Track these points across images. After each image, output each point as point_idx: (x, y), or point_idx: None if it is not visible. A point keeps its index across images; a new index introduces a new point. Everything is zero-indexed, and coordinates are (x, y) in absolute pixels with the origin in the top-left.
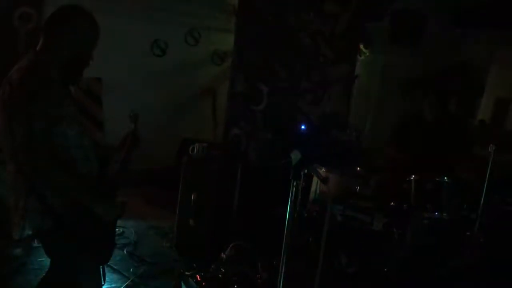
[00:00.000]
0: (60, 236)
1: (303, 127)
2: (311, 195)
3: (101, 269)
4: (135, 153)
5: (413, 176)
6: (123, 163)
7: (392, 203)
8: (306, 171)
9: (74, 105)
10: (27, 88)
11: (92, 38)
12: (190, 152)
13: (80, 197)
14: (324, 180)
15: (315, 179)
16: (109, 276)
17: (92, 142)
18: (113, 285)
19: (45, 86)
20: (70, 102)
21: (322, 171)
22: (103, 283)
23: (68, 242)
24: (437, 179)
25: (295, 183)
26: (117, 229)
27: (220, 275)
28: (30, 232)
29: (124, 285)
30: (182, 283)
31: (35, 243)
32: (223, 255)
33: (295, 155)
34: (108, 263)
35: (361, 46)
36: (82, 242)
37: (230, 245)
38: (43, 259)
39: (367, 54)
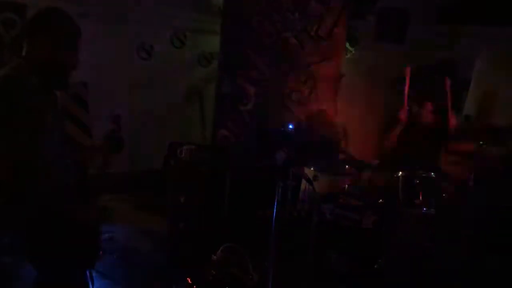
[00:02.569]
0: (39, 242)
1: (290, 126)
2: (301, 195)
3: (88, 274)
4: (119, 156)
5: (400, 172)
6: (101, 167)
7: (380, 200)
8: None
9: (58, 112)
10: (7, 99)
11: (72, 40)
12: (178, 155)
13: (57, 203)
14: (309, 180)
15: None
16: (99, 282)
17: (72, 147)
18: None
19: (26, 96)
20: (53, 109)
21: (311, 170)
22: None
23: (48, 247)
24: (424, 175)
25: (281, 184)
26: (106, 235)
27: (211, 278)
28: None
29: None
30: (173, 287)
31: None
32: (214, 257)
33: (280, 156)
34: (99, 269)
35: (347, 45)
36: (62, 248)
37: (221, 247)
38: None
39: (353, 52)
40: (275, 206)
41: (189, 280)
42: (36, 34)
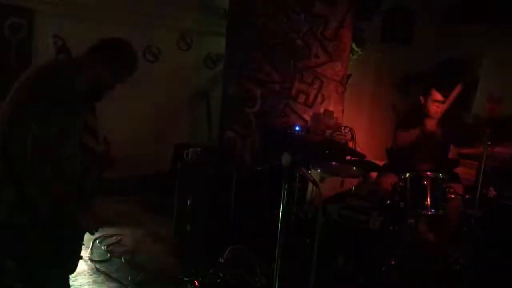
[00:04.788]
0: (34, 236)
1: (297, 128)
2: (308, 196)
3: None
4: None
5: (408, 173)
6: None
7: (388, 202)
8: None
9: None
10: (64, 84)
11: (126, 77)
12: (184, 157)
13: (68, 204)
14: (314, 182)
15: None
16: (107, 284)
17: (82, 153)
18: None
19: (71, 93)
20: (84, 117)
21: (317, 171)
22: None
23: (41, 243)
24: (433, 176)
25: (286, 186)
26: (114, 238)
27: (218, 280)
28: None
29: None
30: None
31: None
32: (221, 260)
33: (286, 158)
34: (106, 271)
35: (353, 46)
36: (55, 247)
37: (228, 249)
38: None
39: (360, 53)
40: (281, 208)
41: (196, 283)
42: (103, 55)
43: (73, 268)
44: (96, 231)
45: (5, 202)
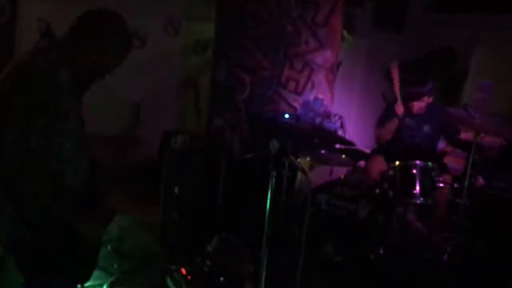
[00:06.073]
0: (33, 250)
1: (287, 115)
2: (296, 185)
3: None
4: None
5: (397, 162)
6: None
7: (377, 191)
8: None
9: (79, 115)
10: (37, 91)
11: (119, 57)
12: (172, 144)
13: (62, 213)
14: (303, 170)
15: None
16: (93, 272)
17: (85, 151)
18: (97, 282)
19: (56, 94)
20: (76, 112)
21: (306, 160)
22: None
23: (42, 257)
24: (422, 165)
25: (274, 174)
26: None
27: (205, 268)
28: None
29: (109, 282)
30: (168, 277)
31: None
32: (208, 248)
33: (273, 145)
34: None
35: (344, 33)
36: (57, 260)
37: (216, 238)
38: None
39: (350, 40)
40: (268, 197)
41: (183, 271)
42: (83, 35)
43: (84, 278)
44: (100, 236)
45: (7, 217)
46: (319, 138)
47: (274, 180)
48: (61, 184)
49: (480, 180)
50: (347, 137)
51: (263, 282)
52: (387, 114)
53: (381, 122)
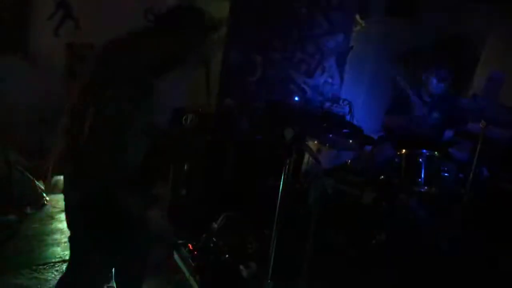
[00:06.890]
0: (82, 214)
1: (296, 98)
2: (303, 167)
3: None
4: None
5: (403, 150)
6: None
7: (381, 177)
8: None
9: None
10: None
11: (199, 47)
12: (182, 122)
13: (113, 183)
14: (316, 158)
15: None
16: None
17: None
18: None
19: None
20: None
21: (314, 143)
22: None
23: (89, 223)
24: (428, 154)
25: (288, 161)
26: None
27: (211, 245)
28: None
29: None
30: (174, 252)
31: (28, 210)
32: (215, 225)
33: (288, 133)
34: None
35: (357, 17)
36: (102, 227)
37: (222, 215)
38: (37, 225)
39: (363, 25)
40: (281, 182)
41: (190, 247)
42: (164, 30)
43: (119, 251)
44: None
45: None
46: (327, 121)
47: (287, 167)
48: (125, 159)
49: (485, 172)
50: (355, 122)
51: (271, 262)
52: (398, 102)
53: (390, 110)
